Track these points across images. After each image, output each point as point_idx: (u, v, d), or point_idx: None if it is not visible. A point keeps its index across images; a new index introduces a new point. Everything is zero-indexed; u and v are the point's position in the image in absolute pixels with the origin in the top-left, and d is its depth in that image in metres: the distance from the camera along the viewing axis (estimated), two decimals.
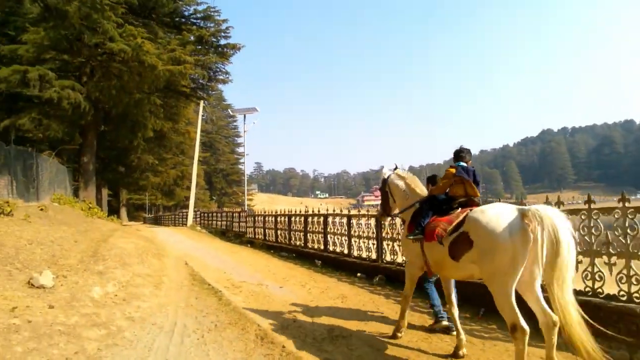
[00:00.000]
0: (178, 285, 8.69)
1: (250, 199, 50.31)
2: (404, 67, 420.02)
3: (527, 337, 3.56)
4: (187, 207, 37.17)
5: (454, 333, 4.89)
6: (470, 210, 4.21)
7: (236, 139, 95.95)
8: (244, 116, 31.95)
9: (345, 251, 9.94)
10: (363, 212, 10.49)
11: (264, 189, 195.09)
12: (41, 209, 13.34)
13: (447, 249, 4.30)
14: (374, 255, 8.86)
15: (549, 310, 3.68)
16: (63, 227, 12.07)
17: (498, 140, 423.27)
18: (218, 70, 27.78)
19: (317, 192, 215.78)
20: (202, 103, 31.59)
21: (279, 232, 14.20)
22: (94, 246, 10.83)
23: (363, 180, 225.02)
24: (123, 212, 48.68)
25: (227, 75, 28.51)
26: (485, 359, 4.54)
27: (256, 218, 16.80)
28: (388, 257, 8.41)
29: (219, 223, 24.57)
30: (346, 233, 9.93)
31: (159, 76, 20.54)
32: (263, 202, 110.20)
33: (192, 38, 25.37)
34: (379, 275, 8.10)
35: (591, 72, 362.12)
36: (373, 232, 8.93)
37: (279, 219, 14.27)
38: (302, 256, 11.79)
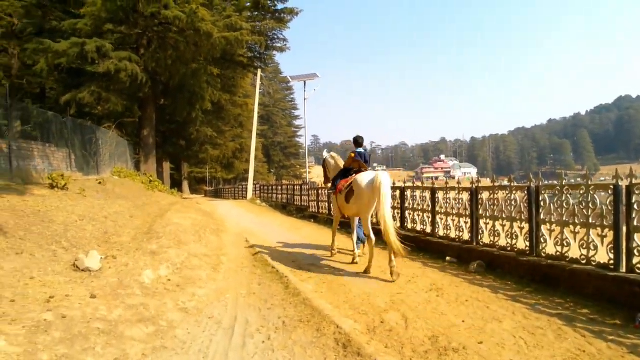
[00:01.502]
0: (238, 267, 7.73)
1: (309, 171, 49.53)
2: (466, 34, 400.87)
3: (373, 242, 6.95)
4: (246, 180, 36.85)
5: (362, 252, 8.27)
6: (356, 174, 7.26)
7: (293, 111, 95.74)
8: (304, 83, 30.60)
9: (428, 230, 8.52)
10: (427, 184, 9.09)
11: (320, 162, 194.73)
12: (99, 183, 12.90)
13: (344, 197, 7.45)
14: (466, 236, 7.41)
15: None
16: (120, 201, 11.49)
17: (569, 108, 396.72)
18: (275, 37, 26.60)
19: (375, 165, 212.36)
20: (259, 73, 30.58)
21: None
22: (149, 222, 10.12)
23: (422, 151, 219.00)
24: (185, 185, 49.68)
25: (284, 43, 27.30)
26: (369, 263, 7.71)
27: (320, 191, 15.62)
28: (487, 239, 6.94)
29: (279, 196, 23.77)
30: (429, 209, 8.49)
31: (215, 44, 19.80)
32: (320, 175, 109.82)
33: (248, 4, 24.31)
34: (477, 261, 6.64)
35: None
36: (466, 209, 7.46)
37: None
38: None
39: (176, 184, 41.68)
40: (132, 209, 11.23)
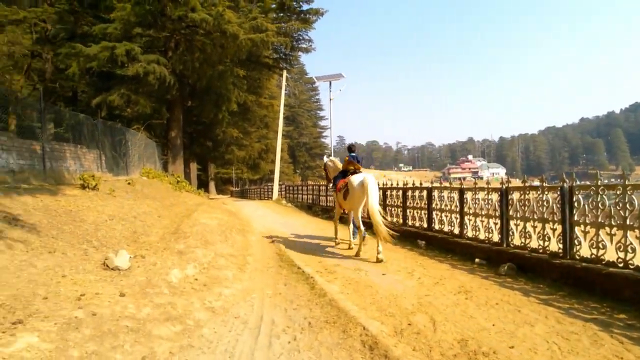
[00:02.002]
0: (264, 267, 7.74)
1: None
2: (494, 31, 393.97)
3: (362, 231, 8.27)
4: (271, 180, 36.98)
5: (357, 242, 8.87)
6: (351, 175, 8.66)
7: (318, 112, 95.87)
8: (329, 83, 30.49)
9: (456, 231, 8.37)
10: (455, 184, 8.93)
11: None
12: (129, 183, 13.14)
13: (342, 194, 8.95)
14: (495, 237, 7.23)
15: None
16: (148, 201, 11.69)
17: (602, 106, 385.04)
18: (300, 38, 26.61)
19: (400, 165, 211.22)
20: (284, 73, 30.70)
21: None
22: (177, 222, 10.26)
23: (449, 151, 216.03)
24: (212, 185, 50.27)
25: (310, 43, 27.20)
26: (365, 251, 8.59)
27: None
28: (517, 240, 6.76)
29: (304, 197, 23.79)
30: (457, 209, 8.33)
31: (241, 46, 19.99)
32: None
33: (273, 5, 24.42)
34: (508, 263, 6.46)
35: None
36: (495, 210, 7.28)
37: None
38: (400, 234, 10.37)
39: (203, 185, 42.24)
40: (160, 209, 11.41)
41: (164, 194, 14.92)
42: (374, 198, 7.90)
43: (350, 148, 9.67)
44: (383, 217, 7.92)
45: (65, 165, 12.11)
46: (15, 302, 4.00)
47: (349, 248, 9.16)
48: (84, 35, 20.53)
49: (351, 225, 9.37)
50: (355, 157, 9.41)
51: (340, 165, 9.96)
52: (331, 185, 10.39)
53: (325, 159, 11.05)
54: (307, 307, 5.39)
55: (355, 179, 8.35)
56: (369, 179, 8.11)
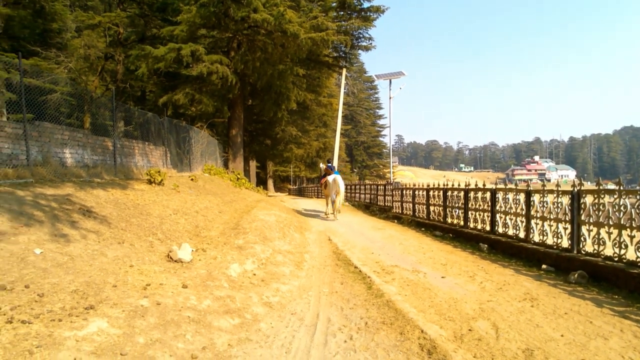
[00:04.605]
0: (321, 265, 7.74)
1: (393, 171, 48.67)
2: (563, 29, 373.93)
3: (334, 202, 14.87)
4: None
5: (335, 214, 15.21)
6: (328, 177, 15.50)
7: (377, 111, 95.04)
8: (389, 81, 30.03)
9: (521, 235, 7.97)
10: (521, 186, 8.44)
11: (404, 162, 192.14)
12: (192, 179, 13.61)
13: (324, 186, 16.28)
14: (564, 243, 6.81)
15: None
16: (209, 197, 12.06)
17: None
18: (360, 36, 26.45)
19: (461, 166, 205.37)
20: (344, 72, 30.64)
21: (431, 208, 12.52)
22: (236, 217, 10.50)
23: (513, 152, 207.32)
24: (270, 183, 51.19)
25: (370, 41, 26.92)
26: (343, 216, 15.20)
27: (404, 192, 15.30)
28: (589, 247, 6.33)
29: (361, 196, 23.65)
30: (523, 213, 7.93)
31: (301, 45, 20.09)
32: (403, 176, 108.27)
33: (334, 4, 24.43)
34: (578, 270, 6.06)
35: None
36: (565, 214, 6.86)
37: (431, 193, 12.57)
38: (461, 237, 10.04)
39: (261, 182, 43.13)
40: (221, 204, 11.74)
41: (225, 190, 15.35)
42: (340, 187, 14.60)
43: (329, 160, 17.44)
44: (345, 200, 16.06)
45: (133, 161, 12.75)
46: (88, 289, 4.24)
47: (330, 214, 15.61)
48: (152, 38, 21.66)
49: (329, 200, 15.40)
50: (331, 166, 16.13)
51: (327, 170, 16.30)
52: (323, 181, 16.56)
53: (322, 165, 17.71)
54: (363, 307, 5.33)
55: (328, 178, 15.28)
56: (336, 178, 14.73)
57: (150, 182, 10.59)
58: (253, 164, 35.78)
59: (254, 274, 6.36)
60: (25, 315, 3.44)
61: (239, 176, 21.01)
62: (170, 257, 6.20)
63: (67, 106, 12.76)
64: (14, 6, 19.09)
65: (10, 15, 18.62)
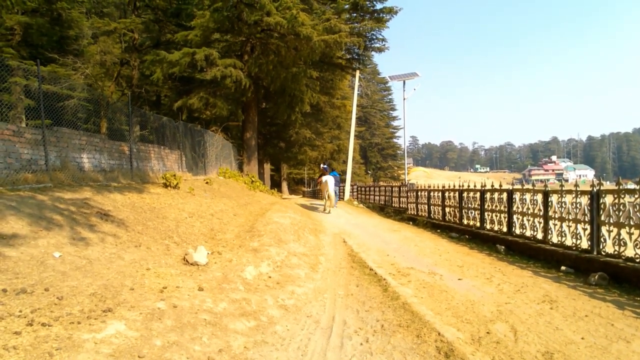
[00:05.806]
0: (336, 267, 7.72)
1: (407, 173, 48.41)
2: (579, 26, 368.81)
3: (330, 198, 16.92)
4: (343, 181, 37.05)
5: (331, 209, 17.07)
6: (323, 176, 17.35)
7: (391, 112, 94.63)
8: (403, 83, 29.94)
9: (539, 236, 7.86)
10: (538, 186, 8.32)
11: (419, 163, 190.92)
12: (207, 182, 13.71)
13: (319, 184, 18.35)
14: (584, 244, 6.70)
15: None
16: (224, 200, 12.13)
17: None
18: (374, 37, 26.37)
19: (477, 166, 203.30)
20: (357, 74, 30.63)
21: (446, 209, 12.43)
22: (251, 220, 10.54)
23: (530, 152, 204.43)
24: (284, 185, 51.28)
25: (383, 43, 26.78)
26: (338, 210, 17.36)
27: (419, 193, 15.20)
28: (610, 248, 6.21)
29: (376, 198, 23.60)
30: (541, 213, 7.83)
31: (315, 48, 20.11)
32: (418, 177, 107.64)
33: (346, 6, 24.42)
34: (599, 272, 5.95)
35: None
36: (584, 214, 6.75)
37: (446, 194, 12.47)
38: (477, 238, 9.95)
39: (276, 185, 43.22)
40: (236, 207, 11.80)
41: (239, 193, 15.44)
42: (331, 186, 16.48)
43: (324, 163, 19.90)
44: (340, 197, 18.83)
45: (149, 165, 12.88)
46: (106, 292, 4.29)
47: (326, 209, 17.08)
48: (167, 43, 21.90)
49: (326, 196, 16.97)
50: (326, 168, 18.38)
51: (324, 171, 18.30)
52: (320, 180, 18.27)
53: (321, 165, 19.65)
54: (379, 309, 5.30)
55: (322, 179, 17.05)
56: (328, 178, 16.68)
57: (166, 185, 10.69)
58: (267, 167, 35.88)
59: (269, 277, 6.37)
60: (45, 317, 3.50)
61: (253, 179, 21.11)
62: (186, 260, 6.25)
63: (84, 112, 12.95)
64: (32, 14, 19.46)
65: (29, 23, 18.98)
